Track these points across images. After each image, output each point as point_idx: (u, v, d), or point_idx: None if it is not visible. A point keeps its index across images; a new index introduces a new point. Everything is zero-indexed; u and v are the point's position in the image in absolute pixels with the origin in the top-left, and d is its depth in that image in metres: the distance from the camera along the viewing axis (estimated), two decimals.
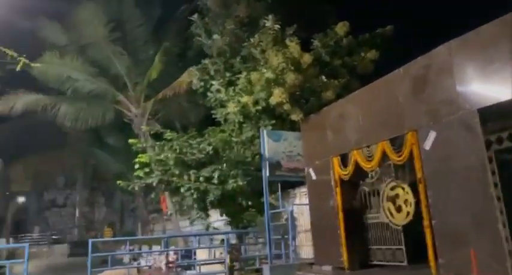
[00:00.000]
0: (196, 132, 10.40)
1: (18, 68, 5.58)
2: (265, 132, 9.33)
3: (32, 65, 5.73)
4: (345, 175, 7.87)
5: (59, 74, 15.93)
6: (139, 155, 9.84)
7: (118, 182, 10.05)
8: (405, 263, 7.04)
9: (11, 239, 29.13)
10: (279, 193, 9.57)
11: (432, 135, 6.00)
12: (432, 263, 5.89)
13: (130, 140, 10.22)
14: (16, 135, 23.98)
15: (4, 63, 5.91)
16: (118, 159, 20.03)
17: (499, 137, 5.57)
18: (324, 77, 9.46)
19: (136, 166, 9.76)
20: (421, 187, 6.15)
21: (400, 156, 6.60)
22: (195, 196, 9.33)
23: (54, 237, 37.83)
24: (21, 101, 16.43)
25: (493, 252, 4.95)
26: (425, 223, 6.03)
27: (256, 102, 9.77)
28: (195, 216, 10.35)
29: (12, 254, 27.95)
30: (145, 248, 18.60)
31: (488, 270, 4.89)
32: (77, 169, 32.67)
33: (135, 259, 17.17)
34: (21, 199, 40.97)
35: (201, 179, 9.42)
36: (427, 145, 6.06)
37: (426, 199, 6.04)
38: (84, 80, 16.27)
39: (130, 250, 19.29)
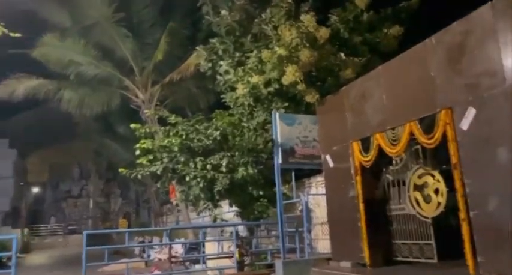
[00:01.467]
0: (204, 117, 9.68)
1: None
2: (277, 115, 8.55)
3: (13, 35, 5.03)
4: (366, 161, 7.06)
5: (61, 57, 15.33)
6: (141, 141, 9.15)
7: (120, 170, 9.43)
8: (435, 260, 6.24)
9: (26, 230, 29.22)
10: (293, 182, 8.82)
11: (471, 113, 5.13)
12: (470, 261, 5.07)
13: (133, 125, 9.55)
14: (31, 126, 23.84)
15: (3, 45, 5.29)
16: (128, 148, 19.56)
17: None
18: (342, 55, 8.59)
19: (137, 152, 9.09)
20: (456, 174, 5.31)
21: (431, 138, 5.75)
22: (201, 184, 8.64)
23: (70, 228, 38.12)
24: (22, 86, 15.88)
25: None
26: (462, 215, 5.20)
27: (267, 84, 8.98)
28: (202, 207, 9.70)
29: (26, 244, 28.15)
30: (156, 239, 18.23)
31: None
32: (89, 159, 32.60)
33: (144, 251, 16.77)
34: (37, 190, 41.36)
35: (208, 166, 8.72)
36: (465, 124, 5.20)
37: (463, 188, 5.20)
38: (88, 64, 15.65)
39: (140, 242, 19.03)
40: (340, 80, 8.47)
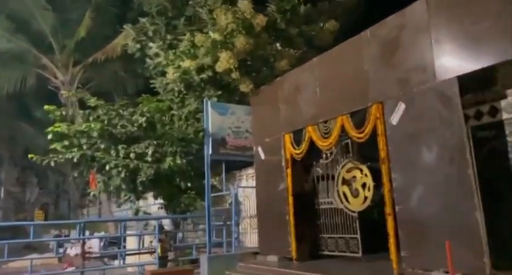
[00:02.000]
0: (129, 102, 8.93)
1: None
2: (209, 103, 8.12)
3: None
4: (298, 154, 6.92)
5: None
6: (55, 124, 8.19)
7: (30, 156, 8.38)
8: (360, 255, 6.27)
9: None
10: (223, 174, 8.46)
11: (401, 107, 5.14)
12: (394, 255, 5.09)
13: (46, 107, 8.52)
14: None
15: None
16: (47, 134, 17.85)
17: (478, 111, 4.81)
18: (278, 45, 8.39)
19: (50, 137, 8.12)
20: (384, 169, 5.30)
21: (361, 132, 5.70)
22: (123, 174, 7.96)
23: None
24: None
25: (469, 244, 4.18)
26: (387, 210, 5.20)
27: (200, 70, 8.50)
28: (123, 198, 8.98)
29: None
30: (75, 233, 16.93)
31: (463, 265, 4.11)
32: (2, 145, 29.49)
33: (60, 246, 15.48)
34: None
35: (132, 155, 8.05)
36: (394, 119, 5.20)
37: (390, 183, 5.20)
38: None
39: (56, 236, 17.55)
40: (275, 71, 8.27)
